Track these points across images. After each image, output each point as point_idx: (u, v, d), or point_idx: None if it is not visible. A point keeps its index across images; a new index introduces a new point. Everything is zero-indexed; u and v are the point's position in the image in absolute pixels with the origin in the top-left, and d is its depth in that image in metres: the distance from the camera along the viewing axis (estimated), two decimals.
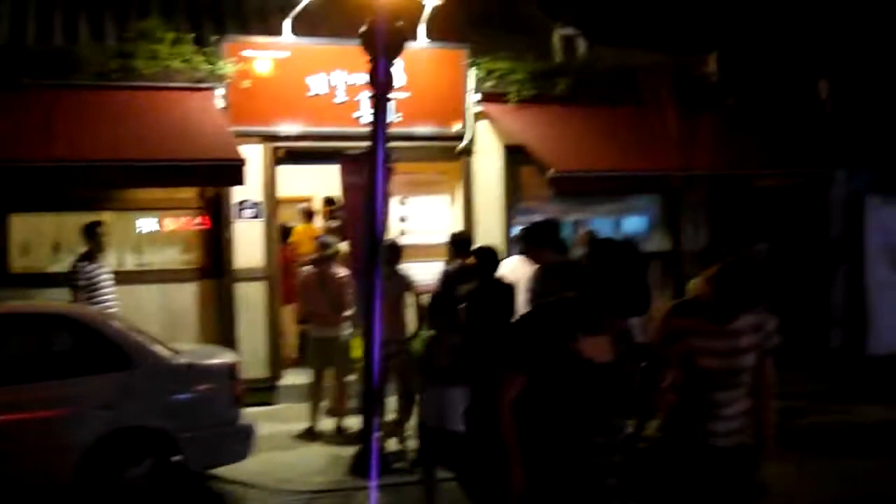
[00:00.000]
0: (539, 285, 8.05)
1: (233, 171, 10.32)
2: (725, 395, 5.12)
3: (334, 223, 12.63)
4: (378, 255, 8.59)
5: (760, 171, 12.09)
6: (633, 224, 14.00)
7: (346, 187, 9.84)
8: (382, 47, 8.66)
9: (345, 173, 9.83)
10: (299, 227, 14.39)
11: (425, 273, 11.63)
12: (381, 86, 8.58)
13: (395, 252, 9.91)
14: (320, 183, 14.22)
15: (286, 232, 13.58)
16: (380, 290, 8.47)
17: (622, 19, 11.44)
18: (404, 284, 9.86)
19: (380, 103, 8.62)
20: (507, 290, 9.41)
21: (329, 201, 13.55)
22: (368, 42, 8.77)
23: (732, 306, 5.04)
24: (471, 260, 10.05)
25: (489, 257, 9.40)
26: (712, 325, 5.09)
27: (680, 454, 5.22)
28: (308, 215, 14.56)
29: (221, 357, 8.67)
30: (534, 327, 4.26)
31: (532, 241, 7.82)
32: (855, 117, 15.10)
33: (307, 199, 15.03)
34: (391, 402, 9.82)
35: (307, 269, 10.74)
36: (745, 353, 5.11)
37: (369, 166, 8.77)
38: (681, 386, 5.23)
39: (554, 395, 4.16)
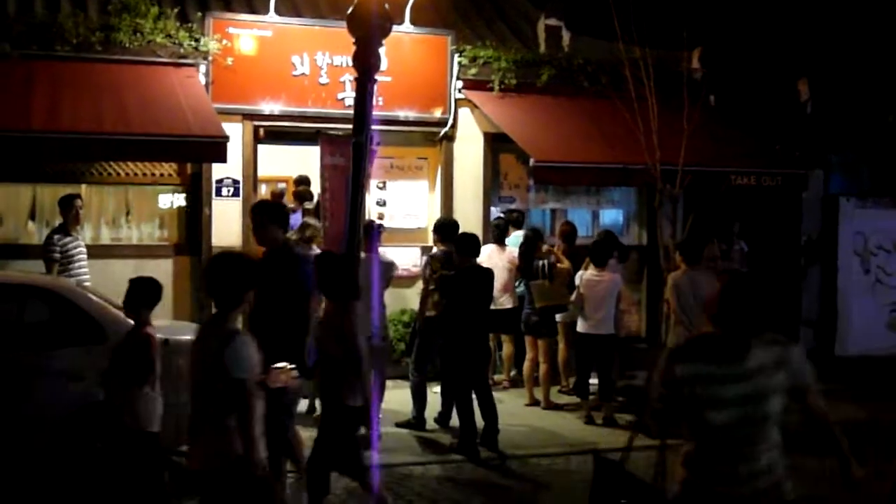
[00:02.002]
0: None
1: (216, 148, 10.27)
2: (745, 451, 4.24)
3: (310, 204, 12.59)
4: (358, 238, 8.56)
5: (738, 169, 12.15)
6: (610, 216, 14.08)
7: (326, 168, 9.81)
8: (369, 29, 8.62)
9: (325, 154, 9.81)
10: None
11: (402, 258, 11.69)
12: (367, 68, 8.53)
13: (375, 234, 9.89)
14: (299, 164, 14.20)
15: None
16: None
17: (607, 11, 11.42)
18: (385, 268, 9.84)
19: (365, 86, 8.57)
20: (487, 275, 9.48)
21: (301, 181, 13.48)
22: (355, 24, 8.72)
23: (740, 333, 4.22)
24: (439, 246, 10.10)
25: (470, 243, 9.45)
26: (721, 367, 4.22)
27: None
28: (279, 197, 14.49)
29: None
30: None
31: (262, 219, 7.33)
32: (833, 119, 15.24)
33: (285, 180, 15.00)
34: None
35: None
36: (766, 397, 4.23)
37: (352, 148, 8.74)
38: (694, 446, 4.37)
39: None
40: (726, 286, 4.29)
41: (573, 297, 10.47)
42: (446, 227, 10.32)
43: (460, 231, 10.00)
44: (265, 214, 7.40)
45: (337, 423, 6.76)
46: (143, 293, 6.65)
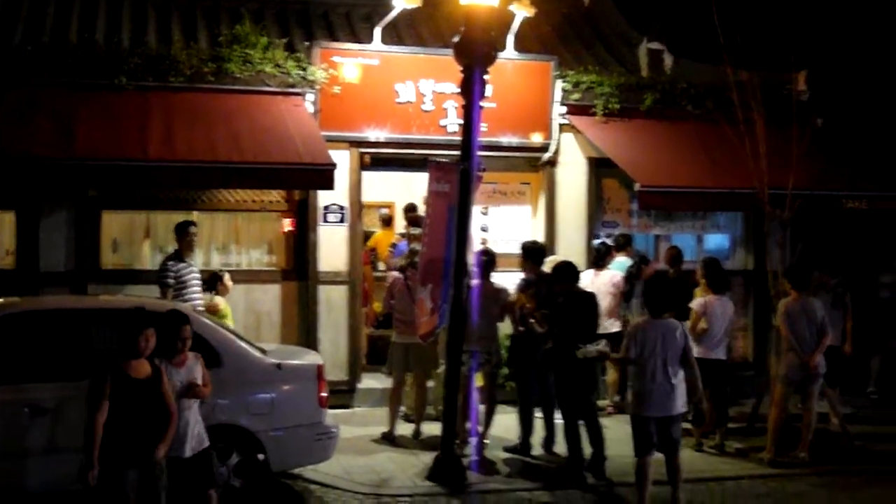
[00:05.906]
0: None
1: (324, 176, 10.46)
2: None
3: (416, 230, 12.70)
4: (466, 263, 8.63)
5: (850, 192, 11.90)
6: (715, 241, 13.89)
7: (432, 194, 9.89)
8: (476, 57, 8.72)
9: (431, 180, 9.89)
10: (379, 233, 14.50)
11: (504, 283, 11.68)
12: (473, 95, 8.63)
13: (489, 261, 9.95)
14: (401, 189, 14.37)
15: (365, 237, 13.70)
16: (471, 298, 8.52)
17: (709, 35, 11.30)
18: (495, 294, 9.86)
19: (472, 113, 8.66)
20: (590, 299, 9.46)
21: (410, 208, 13.62)
22: (462, 52, 8.83)
23: None
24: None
25: (570, 270, 9.43)
26: None
27: None
28: (387, 222, 14.68)
29: (308, 358, 8.75)
30: None
31: None
32: None
33: (388, 205, 15.17)
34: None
35: (395, 274, 10.77)
36: None
37: (457, 175, 8.83)
38: None
39: None
40: None
41: (696, 323, 10.18)
42: (534, 251, 10.30)
43: (560, 258, 10.00)
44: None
45: None
46: None
